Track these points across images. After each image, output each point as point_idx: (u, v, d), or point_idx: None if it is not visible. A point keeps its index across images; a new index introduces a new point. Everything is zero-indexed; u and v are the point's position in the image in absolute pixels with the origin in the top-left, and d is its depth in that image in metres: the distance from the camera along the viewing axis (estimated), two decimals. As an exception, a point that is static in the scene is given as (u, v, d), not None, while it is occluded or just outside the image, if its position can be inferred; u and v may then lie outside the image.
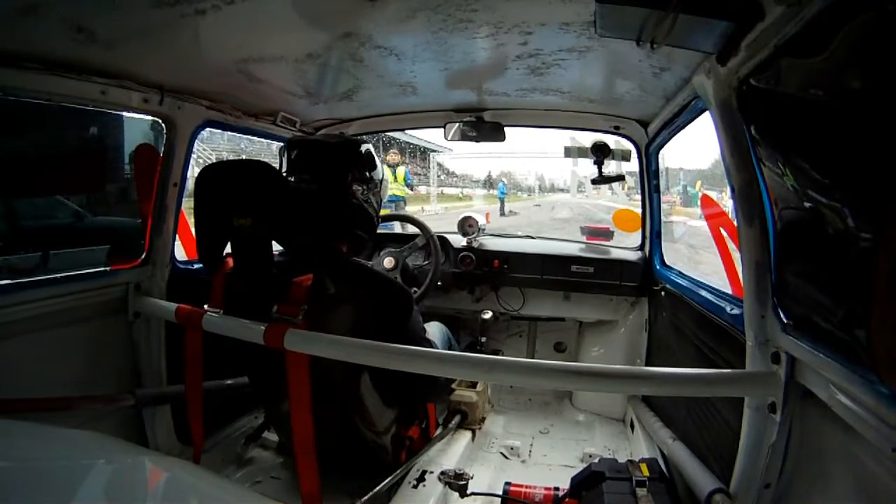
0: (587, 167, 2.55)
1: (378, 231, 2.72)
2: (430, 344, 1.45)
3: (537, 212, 23.11)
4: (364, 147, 1.42)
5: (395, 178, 9.50)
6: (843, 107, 0.75)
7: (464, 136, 2.27)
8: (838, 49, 0.71)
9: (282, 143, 1.52)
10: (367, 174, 1.41)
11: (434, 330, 1.90)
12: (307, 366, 1.26)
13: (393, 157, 10.03)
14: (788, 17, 0.80)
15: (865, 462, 0.83)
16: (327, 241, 1.38)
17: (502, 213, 21.65)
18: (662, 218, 2.32)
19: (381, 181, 1.49)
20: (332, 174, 1.36)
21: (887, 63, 0.64)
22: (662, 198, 2.30)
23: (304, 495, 1.29)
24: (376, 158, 1.45)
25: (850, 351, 0.83)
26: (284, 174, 1.37)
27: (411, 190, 11.17)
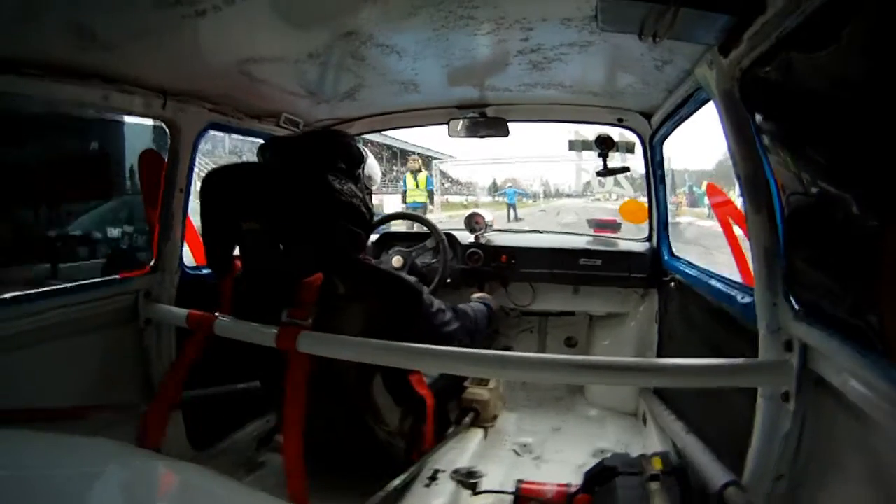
0: (593, 166, 2.54)
1: (387, 230, 2.73)
2: (452, 335, 1.45)
3: (542, 217, 22.84)
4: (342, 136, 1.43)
5: (417, 184, 9.32)
6: (847, 94, 0.75)
7: (467, 133, 2.27)
8: (840, 39, 0.71)
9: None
10: (357, 170, 1.41)
11: None
12: (307, 368, 1.25)
13: (413, 162, 9.79)
14: (790, 9, 0.79)
15: (880, 449, 0.82)
16: (319, 230, 1.33)
17: (516, 219, 20.91)
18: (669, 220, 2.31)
19: (370, 177, 1.47)
20: (292, 158, 1.37)
21: (888, 53, 0.64)
22: (668, 199, 2.29)
23: (291, 494, 1.27)
24: (364, 152, 1.44)
25: (863, 337, 0.82)
26: None
27: (431, 201, 10.89)
